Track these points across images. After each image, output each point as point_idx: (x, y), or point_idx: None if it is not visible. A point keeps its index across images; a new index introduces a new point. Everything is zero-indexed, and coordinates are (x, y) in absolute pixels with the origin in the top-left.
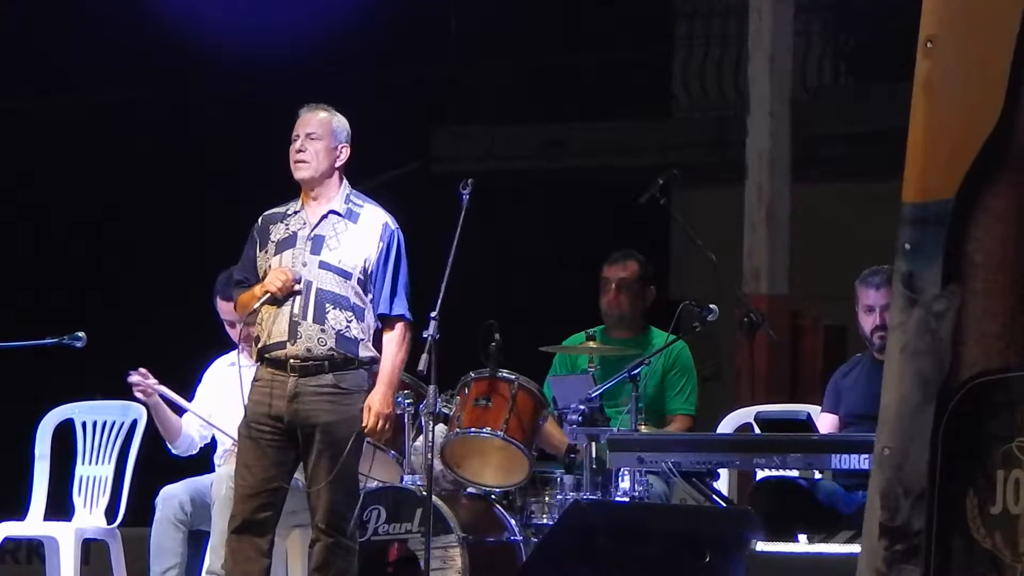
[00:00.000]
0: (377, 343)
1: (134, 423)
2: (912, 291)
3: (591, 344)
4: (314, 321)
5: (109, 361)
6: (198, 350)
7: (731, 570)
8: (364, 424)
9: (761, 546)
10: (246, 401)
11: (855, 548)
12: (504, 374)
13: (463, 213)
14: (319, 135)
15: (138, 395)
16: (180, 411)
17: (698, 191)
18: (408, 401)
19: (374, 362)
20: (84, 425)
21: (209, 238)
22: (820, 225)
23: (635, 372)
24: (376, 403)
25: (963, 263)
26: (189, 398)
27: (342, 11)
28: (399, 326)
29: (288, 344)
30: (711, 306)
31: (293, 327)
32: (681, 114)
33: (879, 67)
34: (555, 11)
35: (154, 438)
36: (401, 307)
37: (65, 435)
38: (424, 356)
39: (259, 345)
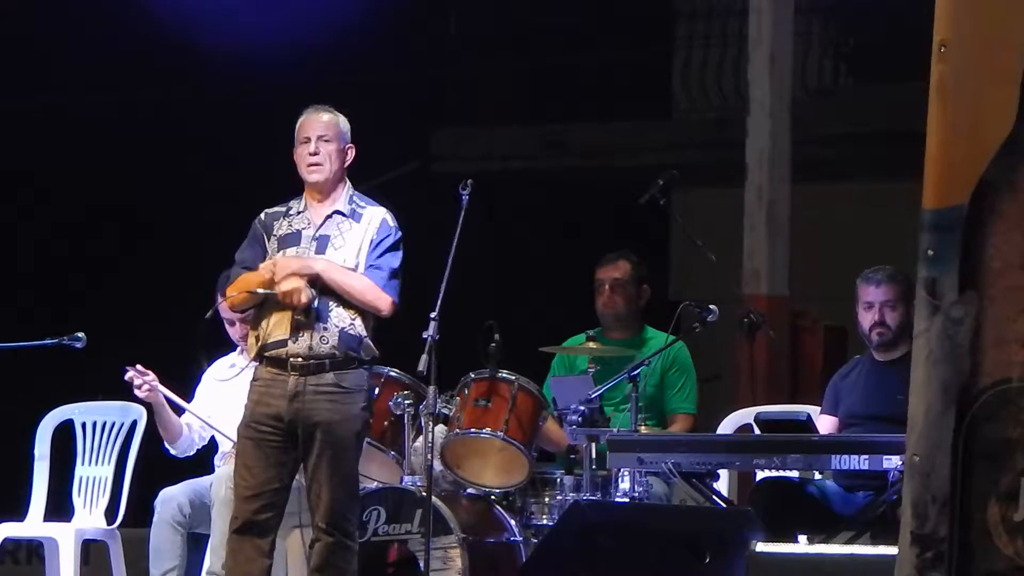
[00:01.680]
0: (379, 342)
1: (134, 424)
2: (935, 298)
3: (591, 345)
4: (317, 319)
5: (109, 361)
6: (198, 350)
7: (731, 571)
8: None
9: (761, 547)
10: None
11: (855, 549)
12: (504, 375)
13: (463, 213)
14: (330, 137)
15: (138, 393)
16: (179, 411)
17: (698, 191)
18: (408, 402)
19: (375, 361)
20: (84, 426)
21: (209, 238)
22: (820, 225)
23: (635, 373)
24: (300, 263)
25: (980, 269)
26: (188, 398)
27: (342, 11)
28: (389, 300)
29: (289, 342)
30: (711, 307)
31: (295, 325)
32: (681, 114)
33: (879, 67)
34: (555, 11)
35: (154, 439)
36: (380, 280)
37: (65, 436)
38: (424, 357)
39: (259, 344)
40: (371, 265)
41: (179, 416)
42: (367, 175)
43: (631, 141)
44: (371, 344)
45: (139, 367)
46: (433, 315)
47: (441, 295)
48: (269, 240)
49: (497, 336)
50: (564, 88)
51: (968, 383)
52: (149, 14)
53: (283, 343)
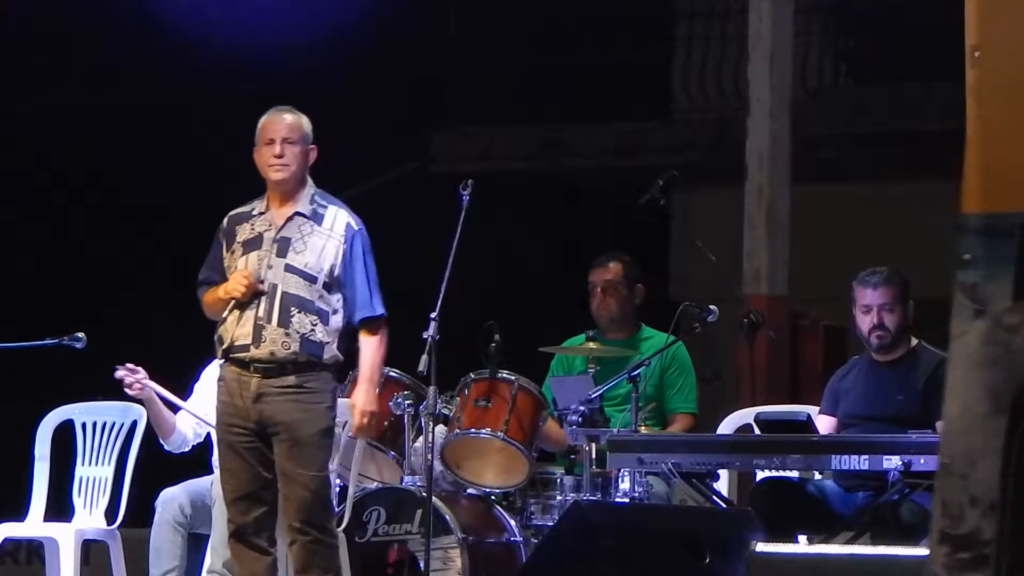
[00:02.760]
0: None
1: (134, 424)
2: (976, 302)
3: (590, 345)
4: (279, 325)
5: (109, 361)
6: (198, 350)
7: (731, 571)
8: (351, 426)
9: (761, 547)
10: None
11: (855, 549)
12: (504, 375)
13: (463, 213)
14: (295, 139)
15: (129, 392)
16: (175, 408)
17: (698, 192)
18: (408, 402)
19: (337, 363)
20: (84, 426)
21: (209, 238)
22: (820, 225)
23: (635, 373)
24: (360, 401)
25: None
26: (186, 395)
27: (342, 11)
28: (378, 324)
29: (252, 347)
30: (711, 307)
31: (257, 330)
32: (681, 115)
33: (879, 67)
34: (555, 11)
35: (154, 439)
36: (381, 306)
37: (65, 436)
38: (424, 357)
39: (223, 346)
40: (365, 286)
41: (174, 413)
42: (367, 175)
43: (631, 141)
44: (334, 348)
45: (129, 365)
46: (433, 315)
47: (441, 295)
48: (231, 247)
49: (497, 336)
50: (564, 88)
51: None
52: (148, 14)
53: (246, 347)
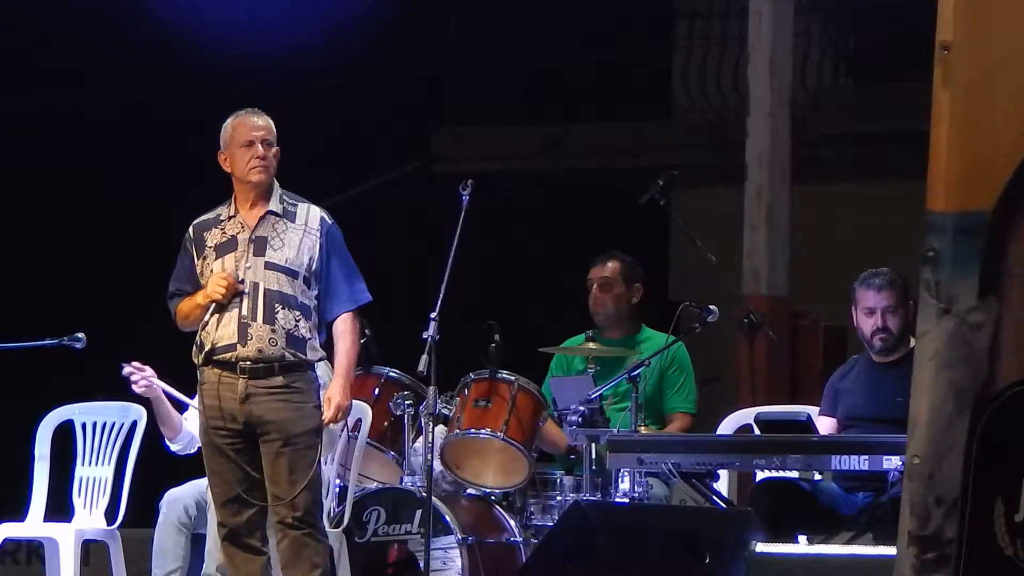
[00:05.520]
0: (379, 342)
1: (134, 424)
2: (939, 300)
3: (590, 345)
4: (264, 322)
5: (109, 361)
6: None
7: (731, 571)
8: (324, 416)
9: (761, 547)
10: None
11: (855, 549)
12: (504, 375)
13: (463, 213)
14: (271, 140)
15: (136, 389)
16: (182, 408)
17: (698, 192)
18: (408, 402)
19: (321, 360)
20: (84, 426)
21: None
22: (820, 225)
23: (635, 373)
24: (337, 396)
25: (1002, 276)
26: (192, 395)
27: (342, 11)
28: (353, 315)
29: (238, 346)
30: (711, 307)
31: (243, 329)
32: (681, 114)
33: (879, 67)
34: (555, 11)
35: (154, 439)
36: (366, 293)
37: (65, 436)
38: (424, 357)
39: (205, 349)
40: (345, 278)
41: (181, 413)
42: (367, 175)
43: (631, 141)
44: (316, 344)
45: (136, 363)
46: (433, 315)
47: (441, 295)
48: (201, 254)
49: (497, 336)
50: (564, 88)
51: (984, 387)
52: (148, 15)
53: (232, 347)
